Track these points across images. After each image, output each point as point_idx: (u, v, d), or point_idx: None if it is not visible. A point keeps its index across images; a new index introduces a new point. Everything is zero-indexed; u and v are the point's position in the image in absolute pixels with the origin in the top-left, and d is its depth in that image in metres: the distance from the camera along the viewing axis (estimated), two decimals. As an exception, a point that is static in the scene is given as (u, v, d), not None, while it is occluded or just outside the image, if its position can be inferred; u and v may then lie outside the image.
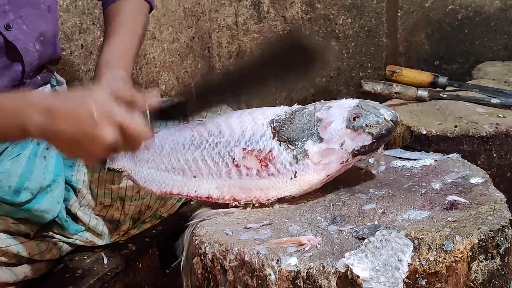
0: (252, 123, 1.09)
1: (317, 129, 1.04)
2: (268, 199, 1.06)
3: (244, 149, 1.06)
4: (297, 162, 1.03)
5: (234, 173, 1.07)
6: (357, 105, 1.05)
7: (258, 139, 1.06)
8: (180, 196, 1.17)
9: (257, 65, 1.03)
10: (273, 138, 1.05)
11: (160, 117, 1.01)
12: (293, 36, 0.99)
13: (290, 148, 1.04)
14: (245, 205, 1.06)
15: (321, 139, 1.03)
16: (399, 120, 1.06)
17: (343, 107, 1.05)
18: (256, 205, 1.07)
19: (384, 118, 1.03)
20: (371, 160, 1.16)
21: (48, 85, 1.37)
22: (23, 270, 1.16)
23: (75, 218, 1.27)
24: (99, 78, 1.16)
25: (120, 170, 1.17)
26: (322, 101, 1.13)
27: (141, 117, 0.93)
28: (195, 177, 1.10)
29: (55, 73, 1.43)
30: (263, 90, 0.98)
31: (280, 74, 1.02)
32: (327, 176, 1.04)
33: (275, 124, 1.07)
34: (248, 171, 1.06)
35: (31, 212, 1.16)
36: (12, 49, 1.18)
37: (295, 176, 1.04)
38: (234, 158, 1.07)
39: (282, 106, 1.13)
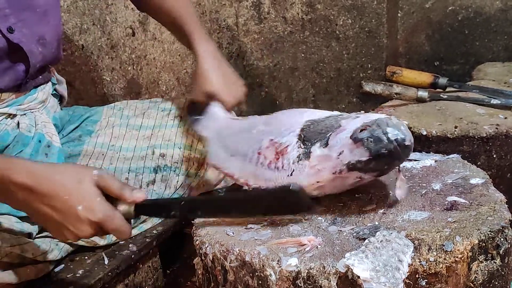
0: (296, 119, 1.09)
1: (330, 134, 1.00)
2: None
3: (271, 139, 1.07)
4: (298, 162, 1.02)
5: (254, 159, 1.08)
6: (376, 119, 0.98)
7: (286, 134, 1.06)
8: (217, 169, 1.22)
9: (246, 202, 1.03)
10: (297, 135, 1.05)
11: (143, 212, 1.03)
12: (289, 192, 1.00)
13: (301, 147, 1.03)
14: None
15: (326, 145, 0.99)
16: (408, 143, 0.94)
17: (365, 118, 1.00)
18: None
19: (388, 137, 0.93)
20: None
21: (49, 83, 1.38)
22: (26, 271, 1.16)
23: None
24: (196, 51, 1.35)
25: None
26: (363, 112, 1.13)
27: (122, 216, 0.96)
28: (231, 156, 1.14)
29: (55, 72, 1.44)
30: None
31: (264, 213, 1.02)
32: (317, 182, 1.00)
33: (307, 123, 1.06)
34: (264, 160, 1.07)
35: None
36: (16, 51, 1.20)
37: (291, 175, 1.03)
38: (260, 146, 1.08)
39: (331, 112, 1.11)
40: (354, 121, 1.00)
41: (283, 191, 0.97)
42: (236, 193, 1.16)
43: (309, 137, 1.03)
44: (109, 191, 0.96)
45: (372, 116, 0.99)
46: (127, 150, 1.39)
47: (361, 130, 0.96)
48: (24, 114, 1.29)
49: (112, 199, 0.97)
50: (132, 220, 1.01)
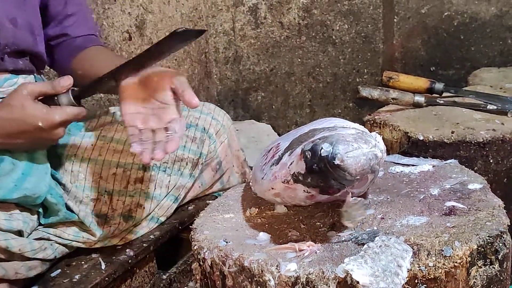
0: (316, 126, 1.06)
1: (304, 143, 0.94)
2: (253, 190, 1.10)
3: (279, 143, 1.07)
4: (270, 167, 1.00)
5: (262, 158, 1.10)
6: (334, 134, 0.90)
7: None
8: None
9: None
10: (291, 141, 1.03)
11: (80, 96, 1.13)
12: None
13: (282, 153, 1.00)
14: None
15: (291, 153, 0.95)
16: (338, 163, 0.84)
17: (340, 131, 0.94)
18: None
19: (320, 152, 0.85)
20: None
21: (32, 76, 1.35)
22: (13, 266, 1.14)
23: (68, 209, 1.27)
24: None
25: None
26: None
27: (68, 102, 1.11)
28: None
29: (43, 76, 1.42)
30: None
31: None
32: (272, 188, 0.98)
33: (310, 131, 1.01)
34: (265, 161, 1.07)
35: (21, 186, 1.14)
36: None
37: (263, 178, 1.02)
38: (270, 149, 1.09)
39: (353, 124, 1.04)
40: (331, 133, 0.92)
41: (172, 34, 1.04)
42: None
43: (293, 144, 0.99)
44: (43, 94, 1.11)
45: (347, 130, 0.93)
46: (117, 142, 1.37)
47: (312, 143, 0.89)
48: (3, 98, 1.27)
49: (52, 100, 1.12)
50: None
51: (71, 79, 1.11)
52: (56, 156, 1.32)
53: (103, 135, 1.38)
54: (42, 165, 1.20)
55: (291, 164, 0.93)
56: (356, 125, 1.00)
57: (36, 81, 1.37)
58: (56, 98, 1.11)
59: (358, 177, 0.87)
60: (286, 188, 0.96)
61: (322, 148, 0.85)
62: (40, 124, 1.08)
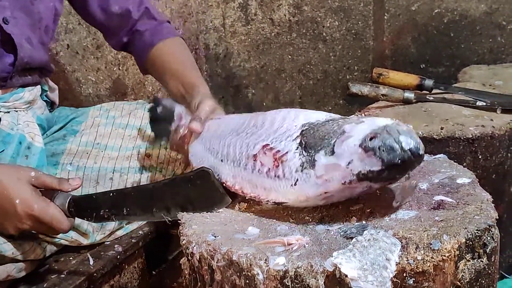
0: (291, 122, 1.03)
1: (335, 141, 0.93)
2: (268, 201, 1.02)
3: (266, 145, 1.02)
4: (302, 170, 0.96)
5: (249, 166, 1.03)
6: (385, 125, 0.92)
7: (284, 139, 1.00)
8: None
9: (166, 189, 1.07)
10: (296, 140, 0.99)
11: (77, 208, 1.07)
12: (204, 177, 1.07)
13: (302, 154, 0.96)
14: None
15: (332, 152, 0.93)
16: (422, 153, 0.90)
17: (372, 124, 0.94)
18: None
19: (402, 146, 0.88)
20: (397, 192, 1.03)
21: (38, 87, 1.38)
22: (6, 270, 1.14)
23: None
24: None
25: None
26: (359, 114, 1.09)
27: (57, 207, 1.05)
28: (221, 161, 1.09)
29: (48, 79, 1.44)
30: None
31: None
32: (325, 193, 0.95)
33: (305, 127, 1.00)
34: (261, 167, 1.01)
35: None
36: (6, 42, 1.25)
37: (295, 184, 0.97)
38: (255, 152, 1.03)
39: (328, 113, 1.05)
40: (359, 127, 0.93)
41: (198, 175, 1.04)
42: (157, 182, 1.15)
43: (310, 143, 0.96)
44: (47, 187, 1.06)
45: (378, 122, 0.94)
46: (112, 149, 1.38)
47: (371, 138, 0.90)
48: (8, 112, 1.28)
49: (50, 196, 1.06)
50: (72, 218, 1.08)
51: (79, 182, 1.09)
52: (52, 164, 1.32)
53: (98, 142, 1.39)
54: None
55: (349, 164, 0.90)
56: (331, 114, 1.04)
57: (42, 90, 1.39)
58: (55, 194, 1.06)
59: None
60: (346, 188, 0.94)
61: (401, 141, 0.89)
62: (17, 202, 1.03)
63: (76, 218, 1.09)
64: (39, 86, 1.39)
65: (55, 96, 1.48)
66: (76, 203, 1.06)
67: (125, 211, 1.06)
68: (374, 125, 0.93)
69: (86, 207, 1.07)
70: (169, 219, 1.06)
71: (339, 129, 0.95)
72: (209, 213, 1.05)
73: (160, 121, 1.29)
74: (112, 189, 1.31)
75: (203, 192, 1.06)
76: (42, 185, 1.06)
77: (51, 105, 1.48)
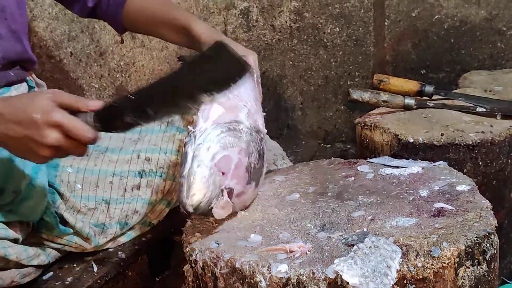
0: None
1: None
2: None
3: None
4: None
5: None
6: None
7: None
8: None
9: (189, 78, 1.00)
10: None
11: (101, 121, 1.00)
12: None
13: None
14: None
15: None
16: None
17: None
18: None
19: None
20: None
21: (24, 84, 1.36)
22: (10, 275, 1.15)
23: (63, 221, 1.27)
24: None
25: None
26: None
27: (83, 120, 0.98)
28: None
29: (34, 76, 1.43)
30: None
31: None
32: None
33: None
34: None
35: (17, 212, 1.16)
36: None
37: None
38: None
39: None
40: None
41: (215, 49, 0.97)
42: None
43: None
44: (66, 105, 0.98)
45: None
46: (112, 152, 1.38)
47: None
48: None
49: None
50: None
51: (99, 104, 1.01)
52: (52, 167, 1.32)
53: (98, 144, 1.38)
54: (41, 187, 1.19)
55: None
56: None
57: (28, 86, 1.39)
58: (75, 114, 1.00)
59: None
60: None
61: None
62: (35, 115, 0.96)
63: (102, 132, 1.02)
64: (25, 84, 1.38)
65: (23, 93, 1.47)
66: (99, 116, 0.99)
67: (149, 111, 0.99)
68: None
69: (109, 117, 1.00)
70: (197, 107, 1.00)
71: None
72: (232, 87, 0.98)
73: None
74: (112, 186, 1.32)
75: (223, 66, 0.98)
76: (61, 103, 0.98)
77: None
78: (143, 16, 1.45)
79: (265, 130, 1.18)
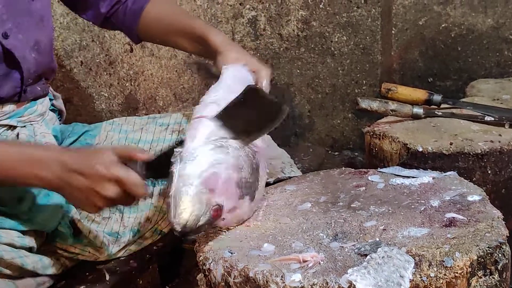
0: None
1: None
2: None
3: None
4: None
5: None
6: None
7: None
8: None
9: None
10: None
11: (151, 171, 1.07)
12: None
13: None
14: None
15: None
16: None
17: None
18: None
19: None
20: None
21: (47, 98, 1.39)
22: (26, 283, 1.17)
23: (77, 230, 1.28)
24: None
25: None
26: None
27: (137, 173, 1.05)
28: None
29: (51, 88, 1.45)
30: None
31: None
32: None
33: None
34: None
35: (34, 221, 1.17)
36: (10, 57, 1.23)
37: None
38: None
39: None
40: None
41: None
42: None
43: None
44: (123, 157, 1.06)
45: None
46: None
47: None
48: (24, 126, 1.30)
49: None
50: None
51: (150, 155, 1.09)
52: None
53: None
54: (58, 197, 1.20)
55: None
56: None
57: (49, 99, 1.41)
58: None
59: None
60: None
61: None
62: (99, 168, 1.02)
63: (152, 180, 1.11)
64: (48, 97, 1.40)
65: (60, 104, 1.49)
66: (149, 165, 1.06)
67: None
68: None
69: (159, 166, 1.07)
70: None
71: None
72: (273, 128, 1.08)
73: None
74: None
75: (259, 109, 1.07)
76: (120, 154, 1.06)
77: (59, 113, 1.50)
78: (160, 25, 1.46)
79: (263, 144, 1.18)
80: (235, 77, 1.26)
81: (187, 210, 0.97)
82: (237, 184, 1.04)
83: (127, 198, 1.05)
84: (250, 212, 1.12)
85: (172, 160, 1.03)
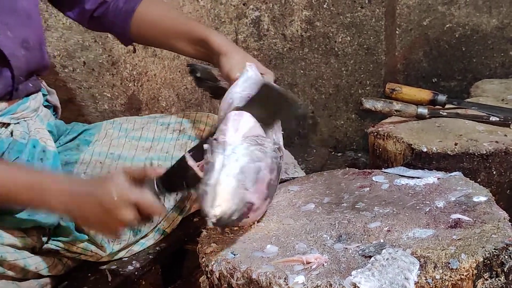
0: None
1: None
2: None
3: None
4: None
5: None
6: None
7: None
8: None
9: None
10: None
11: (165, 186, 1.08)
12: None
13: None
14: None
15: None
16: None
17: None
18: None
19: None
20: None
21: (40, 93, 1.38)
22: (29, 285, 1.16)
23: (78, 228, 1.27)
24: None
25: None
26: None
27: (151, 192, 1.06)
28: None
29: (44, 83, 1.44)
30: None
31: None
32: None
33: None
34: None
35: (35, 216, 1.16)
36: (1, 57, 1.22)
37: None
38: None
39: None
40: None
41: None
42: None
43: None
44: (135, 175, 1.07)
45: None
46: (125, 159, 1.39)
47: None
48: (18, 122, 1.29)
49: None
50: (162, 199, 1.12)
51: (161, 170, 1.10)
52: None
53: (111, 152, 1.39)
54: None
55: None
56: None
57: (43, 94, 1.40)
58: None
59: None
60: None
61: None
62: (113, 195, 1.03)
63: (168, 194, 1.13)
64: (40, 93, 1.39)
65: (55, 100, 1.48)
66: (163, 180, 1.07)
67: None
68: None
69: (172, 179, 1.08)
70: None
71: None
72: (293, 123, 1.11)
73: (202, 80, 1.43)
74: None
75: (275, 104, 1.10)
76: (131, 175, 1.07)
77: (54, 109, 1.49)
78: (156, 29, 1.44)
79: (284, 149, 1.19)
80: (258, 75, 1.28)
81: (226, 203, 0.95)
82: (267, 185, 1.03)
83: (144, 218, 1.07)
84: (263, 213, 1.11)
85: (206, 147, 1.02)
